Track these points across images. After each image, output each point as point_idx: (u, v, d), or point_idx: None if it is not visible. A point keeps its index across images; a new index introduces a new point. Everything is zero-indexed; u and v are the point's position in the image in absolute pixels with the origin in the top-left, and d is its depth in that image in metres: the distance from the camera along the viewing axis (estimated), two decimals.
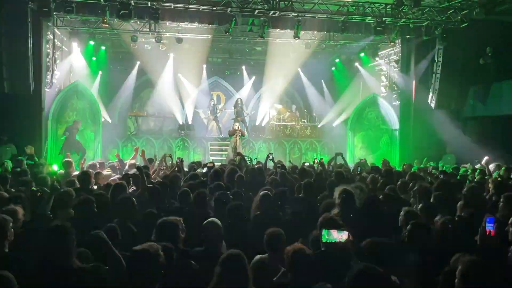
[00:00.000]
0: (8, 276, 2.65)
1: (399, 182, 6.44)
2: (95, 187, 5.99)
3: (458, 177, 8.19)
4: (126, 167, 8.80)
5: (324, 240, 3.28)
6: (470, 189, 5.71)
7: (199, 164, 8.68)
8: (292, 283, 3.08)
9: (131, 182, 6.30)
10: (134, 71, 17.25)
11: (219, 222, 3.84)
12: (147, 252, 2.80)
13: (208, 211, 4.69)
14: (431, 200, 4.95)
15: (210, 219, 3.92)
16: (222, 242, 3.84)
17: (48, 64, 12.91)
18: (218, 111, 18.01)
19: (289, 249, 3.16)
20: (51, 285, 2.91)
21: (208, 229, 3.78)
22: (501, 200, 4.74)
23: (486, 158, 10.12)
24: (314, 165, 9.25)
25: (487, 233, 3.65)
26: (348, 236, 3.28)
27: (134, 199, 4.58)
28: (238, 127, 14.25)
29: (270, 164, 9.09)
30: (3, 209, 4.05)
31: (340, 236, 3.27)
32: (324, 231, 3.29)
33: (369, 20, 12.63)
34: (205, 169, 7.60)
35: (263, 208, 4.85)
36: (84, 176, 6.00)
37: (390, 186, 5.99)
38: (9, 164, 8.50)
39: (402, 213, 4.33)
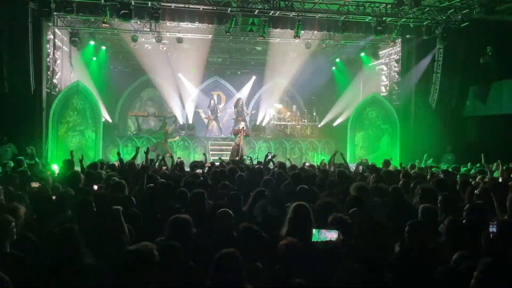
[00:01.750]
0: (3, 277, 2.66)
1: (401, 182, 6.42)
2: (95, 187, 5.98)
3: (458, 177, 8.17)
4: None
5: (314, 239, 3.28)
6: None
7: (201, 165, 8.66)
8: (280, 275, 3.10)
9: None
10: (135, 71, 17.27)
11: (231, 212, 3.91)
12: (141, 252, 2.81)
13: (205, 210, 4.69)
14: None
15: (222, 209, 3.99)
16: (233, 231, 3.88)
17: (49, 64, 12.93)
18: (218, 111, 18.02)
19: (283, 243, 3.18)
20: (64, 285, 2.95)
21: (221, 218, 3.85)
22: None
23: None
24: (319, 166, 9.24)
25: (491, 235, 3.65)
26: (338, 235, 3.28)
27: (133, 198, 4.59)
28: (243, 127, 14.22)
29: (271, 165, 9.08)
30: (4, 207, 4.06)
31: (330, 235, 3.27)
32: (314, 231, 3.29)
33: (369, 19, 12.63)
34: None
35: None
36: (74, 175, 6.02)
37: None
38: (11, 165, 8.51)
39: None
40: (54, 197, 4.88)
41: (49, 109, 12.86)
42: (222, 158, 10.16)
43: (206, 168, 7.89)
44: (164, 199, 5.21)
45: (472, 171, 9.07)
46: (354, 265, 2.70)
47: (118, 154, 9.08)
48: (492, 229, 3.65)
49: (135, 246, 2.89)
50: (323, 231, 3.29)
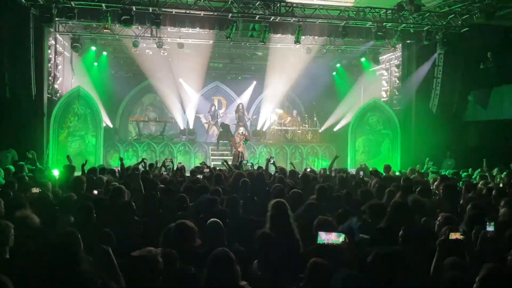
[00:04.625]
0: (6, 280, 2.65)
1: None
2: (95, 192, 5.97)
3: (461, 182, 8.16)
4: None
5: (318, 241, 3.26)
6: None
7: (200, 171, 8.65)
8: None
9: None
10: (136, 76, 17.31)
11: (220, 222, 3.88)
12: (145, 258, 2.80)
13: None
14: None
15: (212, 219, 3.94)
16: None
17: (50, 69, 12.97)
18: (219, 116, 18.04)
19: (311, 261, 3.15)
20: None
21: (212, 229, 3.82)
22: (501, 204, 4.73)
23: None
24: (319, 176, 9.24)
25: (487, 236, 3.65)
26: (345, 238, 3.26)
27: (133, 203, 4.59)
28: (242, 132, 14.20)
29: (272, 169, 9.08)
30: (16, 214, 4.03)
31: (336, 238, 3.24)
32: (319, 233, 3.27)
33: (369, 25, 12.67)
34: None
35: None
36: (77, 181, 6.01)
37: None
38: (12, 170, 8.50)
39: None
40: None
41: (50, 114, 12.88)
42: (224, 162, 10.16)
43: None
44: (165, 205, 5.21)
45: (474, 176, 9.05)
46: (350, 271, 2.68)
47: (121, 159, 9.08)
48: (489, 228, 3.66)
49: (139, 252, 2.89)
50: (328, 233, 3.27)
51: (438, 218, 4.22)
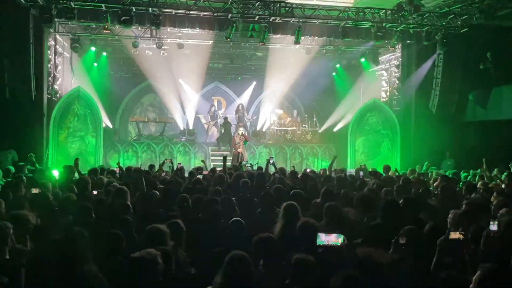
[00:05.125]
0: (6, 281, 2.66)
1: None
2: (95, 192, 5.97)
3: (461, 183, 8.17)
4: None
5: (318, 243, 3.26)
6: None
7: (199, 170, 8.65)
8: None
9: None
10: (135, 77, 17.31)
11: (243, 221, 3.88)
12: (145, 259, 2.79)
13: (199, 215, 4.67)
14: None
15: (235, 218, 3.92)
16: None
17: (50, 70, 12.97)
18: (218, 116, 18.05)
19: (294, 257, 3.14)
20: None
21: (235, 228, 3.80)
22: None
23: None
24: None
25: (491, 235, 3.66)
26: (344, 240, 3.26)
27: (129, 203, 4.59)
28: (242, 133, 14.20)
29: (272, 169, 9.06)
30: (12, 213, 4.05)
31: (335, 239, 3.24)
32: (318, 235, 3.27)
33: (369, 25, 12.67)
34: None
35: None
36: (82, 181, 6.01)
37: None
38: (11, 170, 8.51)
39: None
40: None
41: (50, 115, 12.88)
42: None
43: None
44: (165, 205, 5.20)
45: (470, 177, 9.05)
46: (349, 270, 2.68)
47: (118, 164, 9.11)
48: (493, 227, 3.66)
49: (139, 253, 2.88)
50: (328, 235, 3.27)
51: (449, 215, 4.24)
